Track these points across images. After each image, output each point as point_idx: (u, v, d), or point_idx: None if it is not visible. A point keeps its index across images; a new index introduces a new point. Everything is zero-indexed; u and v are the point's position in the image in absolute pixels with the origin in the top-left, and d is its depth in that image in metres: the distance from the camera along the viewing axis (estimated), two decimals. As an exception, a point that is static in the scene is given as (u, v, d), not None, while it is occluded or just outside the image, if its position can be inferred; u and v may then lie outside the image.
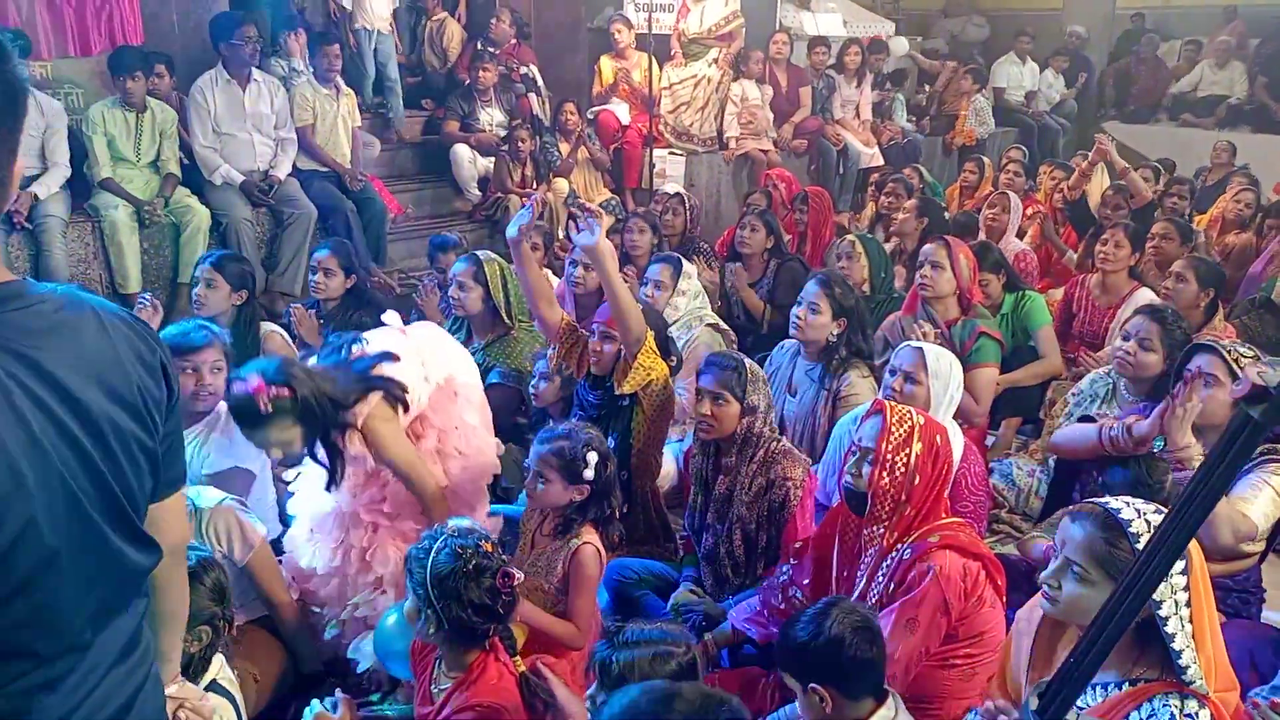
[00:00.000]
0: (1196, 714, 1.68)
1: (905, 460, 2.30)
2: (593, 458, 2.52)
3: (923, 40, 11.04)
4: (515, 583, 2.04)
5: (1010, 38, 10.39)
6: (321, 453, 2.43)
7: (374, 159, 6.52)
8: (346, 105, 5.95)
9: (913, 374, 3.02)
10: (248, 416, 2.27)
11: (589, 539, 2.55)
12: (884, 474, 2.31)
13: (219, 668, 2.04)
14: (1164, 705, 1.69)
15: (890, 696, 1.96)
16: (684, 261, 4.46)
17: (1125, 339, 3.27)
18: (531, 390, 3.67)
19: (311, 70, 5.87)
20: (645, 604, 3.04)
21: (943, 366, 3.04)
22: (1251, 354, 2.71)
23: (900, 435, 2.32)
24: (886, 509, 2.33)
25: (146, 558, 1.32)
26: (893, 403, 2.44)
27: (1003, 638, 2.24)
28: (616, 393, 3.23)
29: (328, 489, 2.53)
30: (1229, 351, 2.68)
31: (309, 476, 2.75)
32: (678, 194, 5.83)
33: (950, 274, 3.85)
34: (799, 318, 3.55)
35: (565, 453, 2.52)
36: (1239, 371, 2.60)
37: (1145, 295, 4.28)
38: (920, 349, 3.08)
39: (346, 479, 2.57)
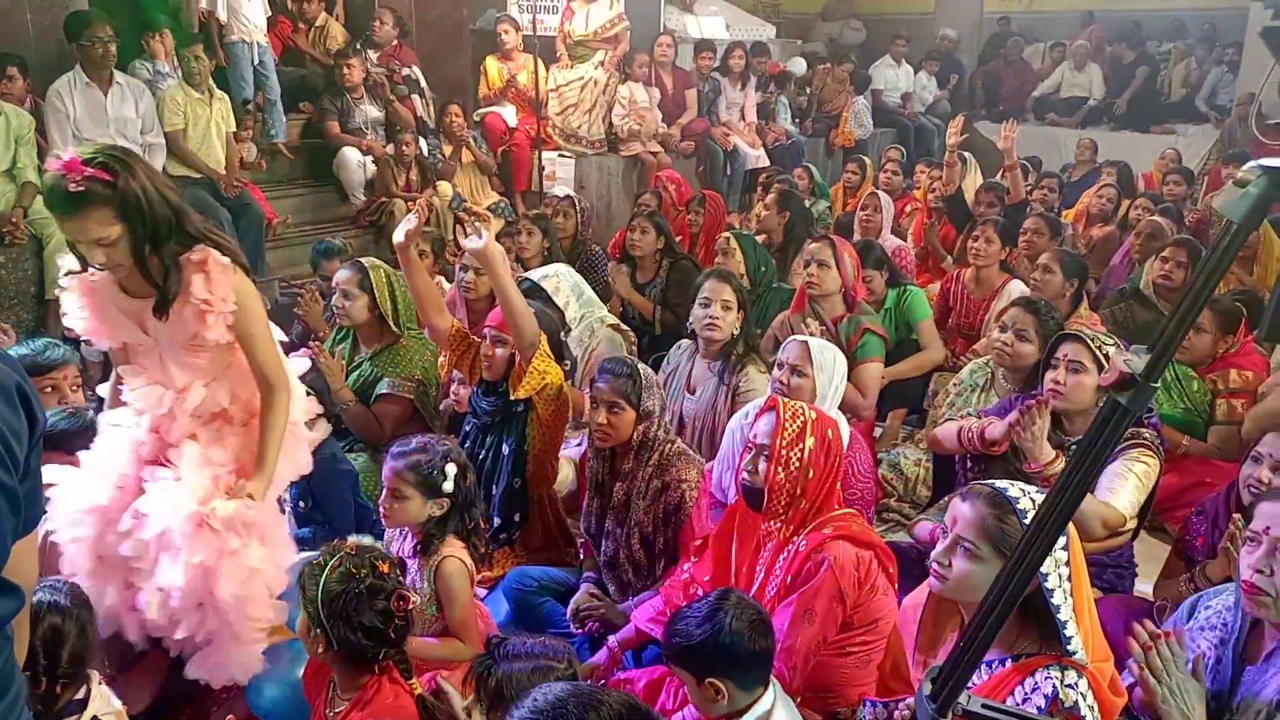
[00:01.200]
0: (1076, 683, 1.76)
1: (800, 455, 2.35)
2: (451, 469, 2.46)
3: (802, 43, 11.31)
4: (410, 606, 1.98)
5: (886, 41, 10.76)
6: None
7: (250, 161, 6.28)
8: (220, 110, 5.72)
9: (799, 366, 3.09)
10: (58, 200, 2.00)
11: (451, 552, 2.48)
12: (779, 469, 2.35)
13: (99, 703, 1.88)
14: (1046, 678, 1.77)
15: (771, 684, 2.00)
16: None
17: (1002, 330, 3.41)
18: (453, 397, 3.58)
19: (180, 73, 5.62)
20: (546, 611, 3.01)
21: (827, 359, 3.12)
22: (1114, 343, 2.86)
23: (794, 431, 2.36)
24: (783, 503, 2.37)
25: (8, 604, 1.21)
26: (785, 399, 2.48)
27: (894, 623, 2.30)
28: (511, 398, 3.19)
29: (156, 314, 2.13)
30: (1094, 340, 2.82)
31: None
32: (568, 196, 5.80)
33: (835, 272, 3.94)
34: (714, 316, 3.55)
35: (422, 467, 2.45)
36: (1103, 360, 2.74)
37: (1017, 287, 4.47)
38: (805, 342, 3.16)
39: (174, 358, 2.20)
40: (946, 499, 3.13)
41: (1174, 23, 10.92)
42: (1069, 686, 1.76)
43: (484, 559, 2.89)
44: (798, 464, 2.35)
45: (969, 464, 2.98)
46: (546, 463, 3.37)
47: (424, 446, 2.50)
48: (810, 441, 2.36)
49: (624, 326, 4.35)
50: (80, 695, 1.82)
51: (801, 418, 2.39)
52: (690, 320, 3.73)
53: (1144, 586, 2.97)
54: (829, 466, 2.38)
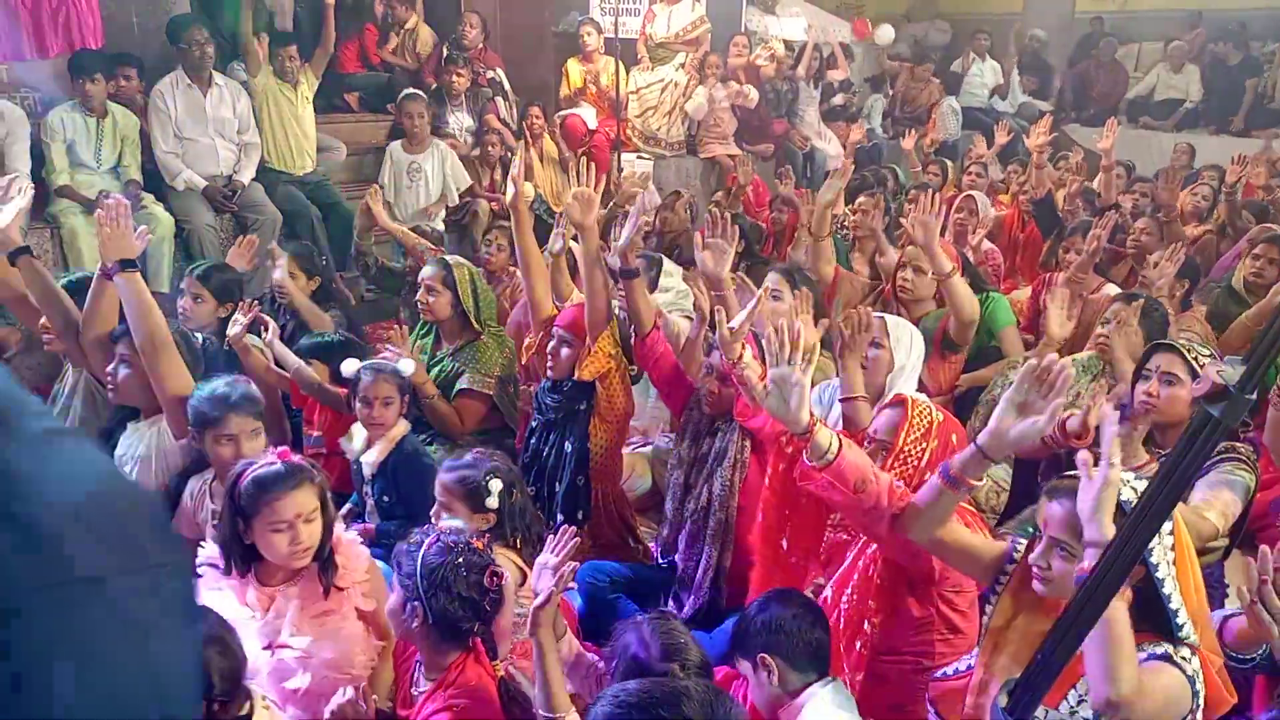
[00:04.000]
0: (1190, 659, 1.75)
1: (920, 454, 2.34)
2: (495, 485, 2.51)
3: (887, 45, 11.14)
4: (503, 582, 2.04)
5: (969, 39, 10.55)
6: None
7: (339, 163, 6.46)
8: (308, 110, 5.91)
9: (876, 339, 3.08)
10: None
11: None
12: (897, 465, 2.33)
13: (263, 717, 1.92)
14: (1158, 648, 1.76)
15: (834, 680, 2.10)
16: (665, 260, 4.51)
17: (1104, 324, 3.35)
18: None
19: (272, 70, 5.82)
20: (619, 607, 3.04)
21: (903, 334, 3.12)
22: (1209, 353, 2.77)
23: (920, 430, 2.36)
24: None
25: None
26: (914, 397, 2.46)
27: (975, 607, 2.30)
28: (577, 379, 3.27)
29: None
30: (1189, 350, 2.73)
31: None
32: (676, 192, 5.87)
33: (932, 278, 3.92)
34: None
35: (468, 481, 2.52)
36: (1199, 370, 2.65)
37: (1110, 291, 4.36)
38: (883, 317, 3.16)
39: None
40: (1027, 511, 3.08)
41: (1280, 22, 10.45)
42: (1182, 658, 1.74)
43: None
44: (917, 464, 2.33)
45: (1050, 470, 2.91)
46: (610, 461, 3.42)
47: (472, 462, 2.57)
48: (934, 444, 2.34)
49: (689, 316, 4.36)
50: (244, 712, 1.88)
51: (929, 418, 2.38)
52: None
53: (1235, 607, 2.86)
54: None
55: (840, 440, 2.16)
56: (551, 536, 2.16)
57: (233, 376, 2.80)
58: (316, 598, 2.26)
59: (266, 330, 3.49)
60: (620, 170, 7.36)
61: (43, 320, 3.21)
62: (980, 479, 2.00)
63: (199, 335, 3.39)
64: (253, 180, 5.56)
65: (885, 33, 9.66)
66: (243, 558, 2.25)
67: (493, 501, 2.52)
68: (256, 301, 3.56)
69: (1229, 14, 10.48)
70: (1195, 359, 2.70)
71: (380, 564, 2.53)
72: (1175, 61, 10.25)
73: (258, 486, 2.18)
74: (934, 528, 2.05)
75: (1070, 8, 11.92)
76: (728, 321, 2.63)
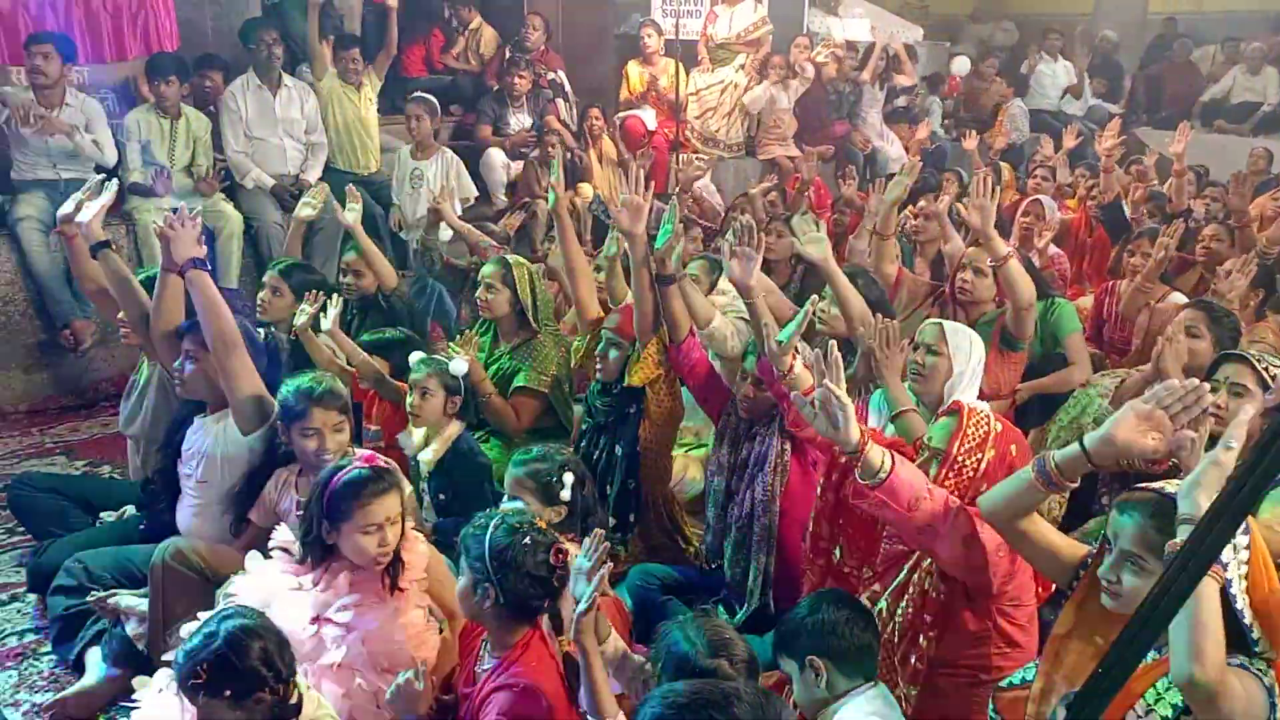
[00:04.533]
0: (1265, 672, 1.68)
1: (975, 464, 2.28)
2: (569, 478, 2.55)
3: (950, 45, 10.98)
4: (568, 558, 2.10)
5: (1039, 39, 10.33)
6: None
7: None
8: (371, 110, 6.02)
9: (933, 345, 3.02)
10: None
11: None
12: (950, 474, 2.29)
13: (311, 706, 2.01)
14: (1231, 656, 1.67)
15: (877, 684, 2.09)
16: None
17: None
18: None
19: (336, 71, 5.93)
20: (670, 610, 3.04)
21: (962, 340, 3.04)
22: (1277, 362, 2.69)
23: (975, 439, 2.30)
24: None
25: None
26: (971, 405, 2.40)
27: (1034, 621, 2.29)
28: (627, 385, 3.29)
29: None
30: (1259, 361, 2.65)
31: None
32: (745, 194, 5.85)
33: (992, 279, 3.85)
34: (823, 310, 3.55)
35: (541, 475, 2.56)
36: (1270, 381, 2.57)
37: (1176, 299, 4.25)
38: (940, 323, 3.10)
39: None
40: (1091, 522, 3.01)
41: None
42: (1258, 671, 1.68)
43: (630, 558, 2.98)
44: (971, 474, 2.28)
45: (1114, 483, 2.85)
46: (660, 463, 3.42)
47: (544, 455, 2.61)
48: (990, 454, 2.28)
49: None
50: (294, 700, 1.97)
51: (985, 428, 2.32)
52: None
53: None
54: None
55: (893, 458, 2.14)
56: (584, 541, 2.18)
57: (318, 372, 2.90)
58: (378, 594, 2.32)
59: (325, 316, 3.56)
60: (678, 171, 7.37)
61: (120, 314, 3.32)
62: (1076, 481, 1.93)
63: (261, 330, 3.49)
64: (319, 179, 5.67)
65: (961, 64, 9.53)
66: (321, 555, 2.32)
67: (566, 494, 2.55)
68: (322, 292, 3.64)
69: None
70: (1266, 369, 2.62)
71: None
72: (1253, 63, 9.92)
73: (351, 491, 2.25)
74: (1016, 519, 2.01)
75: (1143, 8, 11.61)
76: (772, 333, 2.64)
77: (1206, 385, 1.80)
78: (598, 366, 3.38)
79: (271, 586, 2.34)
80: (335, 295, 3.68)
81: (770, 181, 7.09)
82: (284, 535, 2.44)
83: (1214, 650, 1.56)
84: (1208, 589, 1.57)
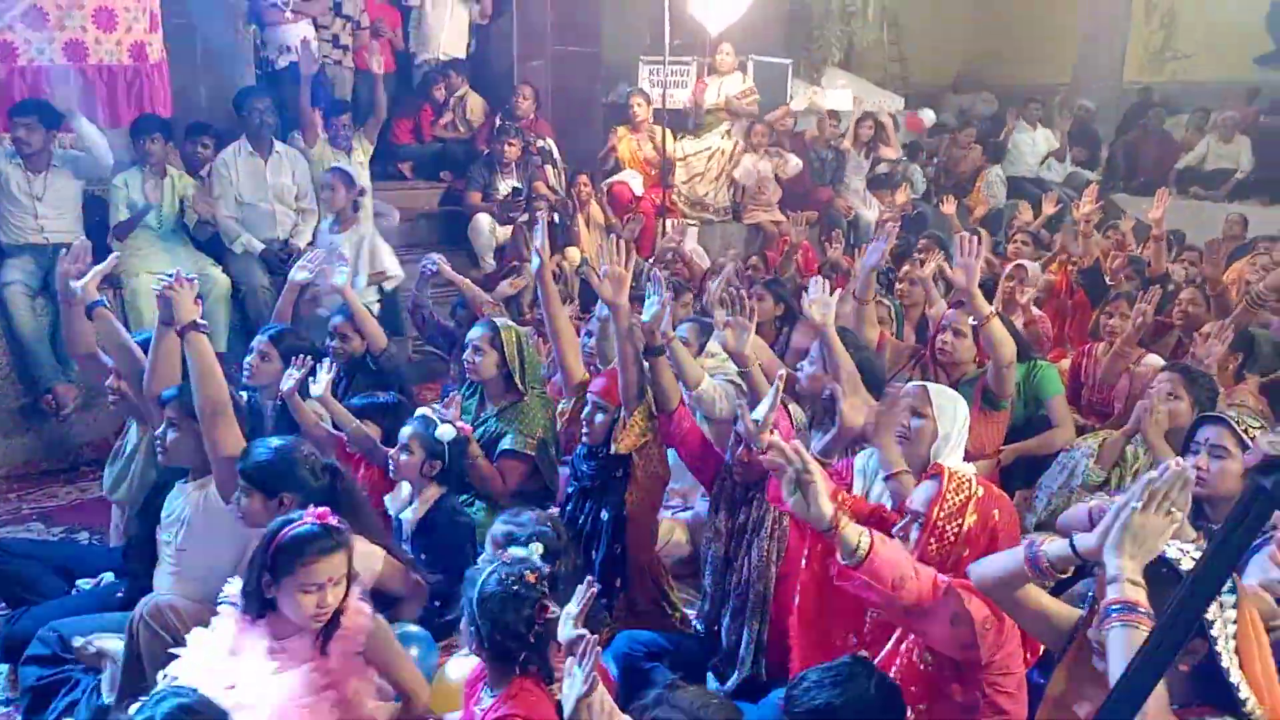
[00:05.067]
0: None
1: (956, 530, 2.26)
2: (536, 548, 2.48)
3: (932, 115, 11.23)
4: (549, 615, 2.10)
5: (1020, 108, 10.58)
6: None
7: (393, 228, 6.63)
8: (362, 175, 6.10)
9: (918, 408, 3.02)
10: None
11: None
12: (932, 540, 2.27)
13: None
14: (1216, 716, 1.69)
15: None
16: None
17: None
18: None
19: (326, 138, 6.01)
20: (655, 677, 2.99)
21: (946, 402, 3.04)
22: (1259, 424, 2.71)
23: (955, 504, 2.28)
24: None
25: None
26: (953, 469, 2.39)
27: (1023, 687, 2.24)
28: (613, 452, 3.25)
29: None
30: (1238, 423, 2.68)
31: None
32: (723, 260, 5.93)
33: (971, 341, 3.89)
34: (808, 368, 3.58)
35: (514, 538, 2.54)
36: (1249, 442, 2.59)
37: (1153, 362, 4.29)
38: (924, 386, 3.11)
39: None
40: (1080, 584, 2.99)
41: (1332, 94, 10.37)
42: None
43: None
44: (953, 539, 2.26)
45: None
46: (646, 527, 3.39)
47: (523, 521, 2.60)
48: (971, 519, 2.26)
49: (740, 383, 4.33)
50: None
51: (966, 492, 2.29)
52: None
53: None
54: (989, 550, 2.23)
55: (873, 536, 2.11)
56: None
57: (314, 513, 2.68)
58: (308, 655, 2.28)
59: (314, 381, 3.54)
60: (665, 236, 7.46)
61: (110, 380, 3.31)
62: (1069, 573, 1.93)
63: (244, 394, 3.48)
64: (309, 245, 5.72)
65: (927, 116, 9.76)
66: (260, 608, 2.27)
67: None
68: (310, 357, 3.64)
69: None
70: (1245, 430, 2.64)
71: (415, 626, 2.54)
72: (1225, 132, 10.19)
73: (296, 546, 2.21)
74: (1008, 592, 2.00)
75: (1119, 78, 11.93)
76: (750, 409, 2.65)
77: (1184, 467, 1.75)
78: (584, 430, 3.37)
79: (208, 661, 2.28)
80: (326, 360, 3.67)
81: (754, 247, 7.20)
82: (235, 588, 2.39)
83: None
84: (1133, 638, 1.57)
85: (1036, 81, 11.92)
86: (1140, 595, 1.64)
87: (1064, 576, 1.93)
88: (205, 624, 2.56)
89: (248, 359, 3.89)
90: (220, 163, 5.51)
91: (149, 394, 3.08)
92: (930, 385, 3.14)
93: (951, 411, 3.02)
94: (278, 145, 5.69)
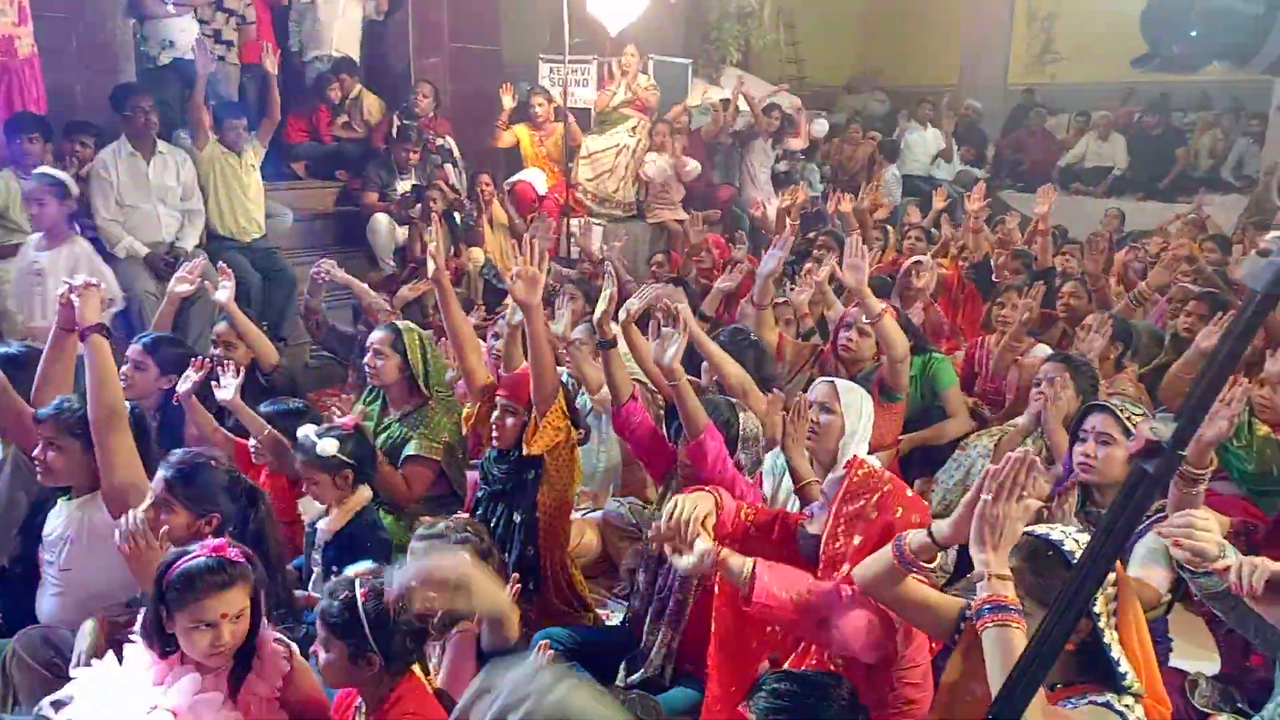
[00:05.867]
0: (1132, 707, 1.76)
1: (858, 519, 2.32)
2: (466, 554, 2.46)
3: (827, 115, 11.47)
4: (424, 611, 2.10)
5: (911, 109, 10.92)
6: None
7: (286, 230, 6.43)
8: (256, 177, 5.89)
9: (827, 404, 3.07)
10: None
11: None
12: (839, 529, 2.33)
13: None
14: (1099, 696, 1.78)
15: None
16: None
17: (1036, 385, 3.44)
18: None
19: (217, 138, 5.80)
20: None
21: (854, 399, 3.12)
22: (1141, 411, 2.85)
23: (861, 499, 2.34)
24: (830, 562, 2.36)
25: None
26: (866, 460, 2.45)
27: (929, 675, 2.30)
28: (525, 454, 3.23)
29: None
30: (1122, 411, 2.80)
31: None
32: (602, 261, 5.89)
33: (874, 339, 3.99)
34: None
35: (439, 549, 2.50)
36: (1133, 429, 2.72)
37: (1041, 352, 4.47)
38: (833, 382, 3.17)
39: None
40: (975, 572, 3.09)
41: (1200, 94, 11.00)
42: (1125, 707, 1.76)
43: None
44: (856, 529, 2.32)
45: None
46: (559, 528, 3.38)
47: (444, 531, 2.53)
48: (873, 513, 2.31)
49: (650, 385, 4.35)
50: None
51: (873, 484, 2.35)
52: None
53: (1179, 660, 2.89)
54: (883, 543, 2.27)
55: (754, 564, 2.18)
56: None
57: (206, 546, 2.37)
58: (222, 695, 2.16)
59: (220, 386, 3.40)
60: (570, 236, 7.44)
61: None
62: (933, 561, 2.00)
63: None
64: (197, 247, 5.51)
65: (819, 127, 9.95)
66: (163, 645, 2.15)
67: None
68: (208, 360, 3.50)
69: (1154, 86, 10.99)
70: (1129, 418, 2.77)
71: None
72: (1102, 131, 10.72)
73: (186, 581, 2.08)
74: (888, 589, 2.07)
75: (1003, 80, 12.42)
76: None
77: (1026, 453, 1.81)
78: (494, 434, 3.32)
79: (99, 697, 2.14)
80: (233, 365, 3.53)
81: (659, 246, 7.24)
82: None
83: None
84: (1005, 637, 1.64)
85: (926, 82, 12.32)
86: (1008, 589, 1.70)
87: (930, 565, 2.00)
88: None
89: (122, 369, 3.69)
90: (99, 163, 5.25)
91: (38, 403, 2.90)
92: (839, 381, 3.20)
93: (858, 407, 3.09)
94: (161, 145, 5.45)
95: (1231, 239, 7.67)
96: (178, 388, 3.41)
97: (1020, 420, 3.58)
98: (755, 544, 2.56)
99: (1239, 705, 2.59)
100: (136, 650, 2.20)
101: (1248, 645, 2.63)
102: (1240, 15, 1.08)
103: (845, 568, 2.32)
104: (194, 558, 2.12)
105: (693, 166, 7.95)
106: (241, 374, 3.51)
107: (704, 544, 2.18)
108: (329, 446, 3.09)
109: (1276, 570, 1.71)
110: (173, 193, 5.47)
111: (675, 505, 2.24)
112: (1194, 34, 1.12)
